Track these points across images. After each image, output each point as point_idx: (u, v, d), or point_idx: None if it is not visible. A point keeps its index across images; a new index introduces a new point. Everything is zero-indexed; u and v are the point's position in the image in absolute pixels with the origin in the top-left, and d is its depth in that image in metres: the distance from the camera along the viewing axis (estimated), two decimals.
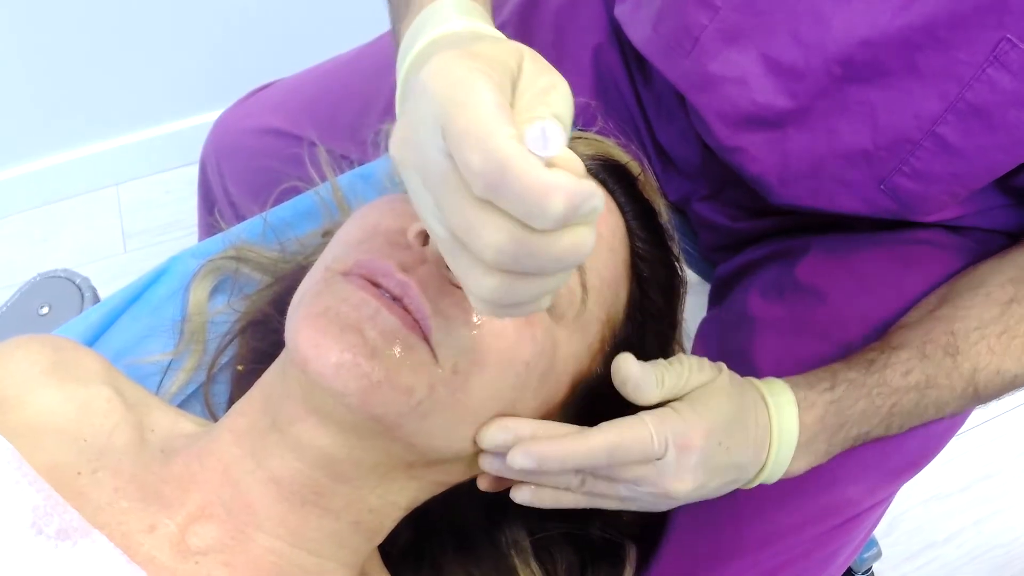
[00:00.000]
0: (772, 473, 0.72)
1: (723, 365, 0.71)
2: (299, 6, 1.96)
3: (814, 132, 0.81)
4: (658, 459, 0.63)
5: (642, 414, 0.65)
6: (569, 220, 0.41)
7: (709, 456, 0.65)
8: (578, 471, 0.64)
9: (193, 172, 1.22)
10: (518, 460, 0.61)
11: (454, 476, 0.68)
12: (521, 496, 0.66)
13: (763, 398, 0.72)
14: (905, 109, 0.76)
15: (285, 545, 0.62)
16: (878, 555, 1.50)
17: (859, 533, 0.86)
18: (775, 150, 0.83)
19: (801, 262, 0.90)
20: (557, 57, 1.04)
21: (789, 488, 0.79)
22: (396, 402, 0.56)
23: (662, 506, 0.69)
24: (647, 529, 0.83)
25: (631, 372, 0.65)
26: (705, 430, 0.65)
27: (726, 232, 1.01)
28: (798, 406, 0.72)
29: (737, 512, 0.81)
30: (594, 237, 0.43)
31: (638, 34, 0.94)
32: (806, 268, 0.90)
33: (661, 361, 0.68)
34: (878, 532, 1.60)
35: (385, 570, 0.71)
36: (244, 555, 0.60)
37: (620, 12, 0.98)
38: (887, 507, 0.90)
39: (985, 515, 1.72)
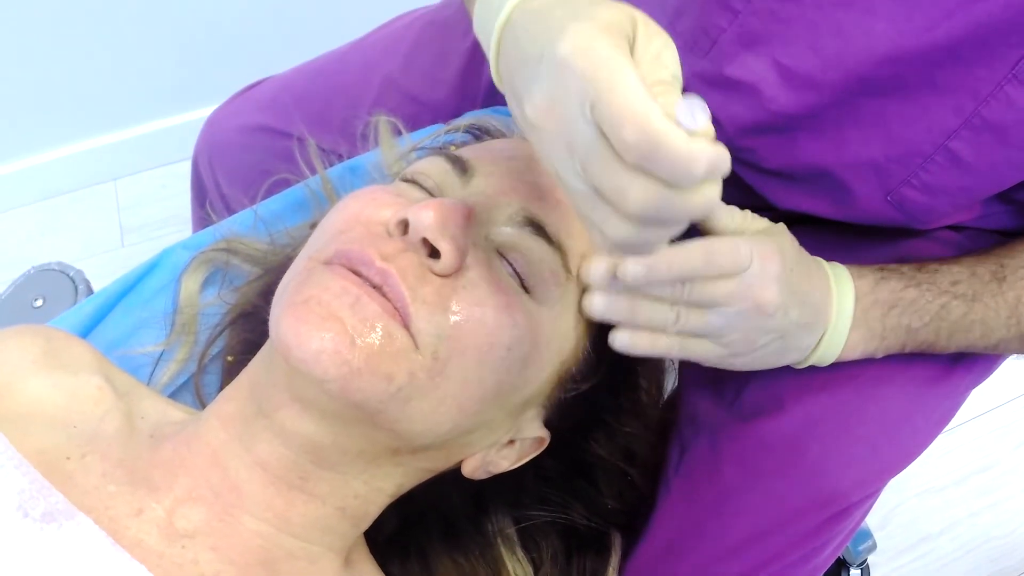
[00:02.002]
0: (836, 335, 0.75)
1: (782, 224, 0.75)
2: (294, 3, 1.96)
3: (823, 140, 0.80)
4: (744, 270, 0.66)
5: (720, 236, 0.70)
6: (707, 180, 0.48)
7: (787, 276, 0.68)
8: (678, 283, 0.66)
9: (190, 168, 1.23)
10: (630, 269, 0.63)
11: (439, 463, 0.68)
12: (621, 340, 0.68)
13: (816, 259, 0.76)
14: (919, 122, 0.75)
15: (271, 529, 0.63)
16: (873, 547, 1.50)
17: (847, 526, 0.86)
18: (784, 152, 0.83)
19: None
20: None
21: (776, 477, 0.80)
22: (376, 389, 0.57)
23: (753, 339, 0.70)
24: (633, 518, 0.83)
25: (713, 202, 0.57)
26: (777, 249, 0.69)
27: None
28: (849, 272, 0.76)
29: (722, 504, 0.81)
30: (719, 190, 0.50)
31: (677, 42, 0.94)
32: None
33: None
34: (873, 525, 1.60)
35: (371, 557, 0.71)
36: (231, 538, 0.61)
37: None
38: (875, 500, 0.90)
39: (980, 508, 1.72)
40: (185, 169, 1.23)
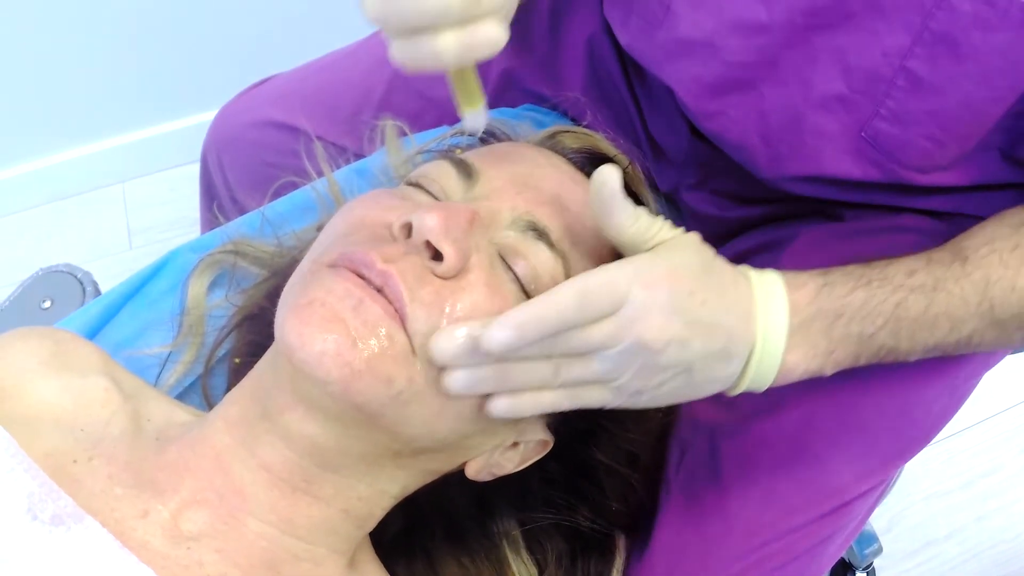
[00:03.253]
0: (767, 358, 0.67)
1: (696, 233, 0.66)
2: (300, 7, 1.97)
3: (787, 85, 0.80)
4: (625, 303, 0.58)
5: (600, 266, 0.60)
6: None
7: (680, 302, 0.60)
8: (550, 341, 0.57)
9: (198, 170, 1.23)
10: (496, 336, 0.55)
11: (442, 465, 0.68)
12: (500, 406, 0.60)
13: (741, 271, 0.67)
14: (874, 48, 0.75)
15: (276, 531, 0.63)
16: (879, 551, 1.50)
17: (851, 520, 0.86)
18: (753, 110, 0.84)
19: (788, 251, 0.91)
20: (553, 49, 1.05)
21: (776, 474, 0.80)
22: (377, 391, 0.57)
23: (649, 378, 0.62)
24: (637, 520, 0.83)
25: (611, 178, 0.60)
26: (668, 270, 0.60)
27: (714, 221, 1.01)
28: (785, 284, 0.68)
29: (724, 501, 0.81)
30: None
31: (620, 26, 0.95)
32: (793, 257, 0.90)
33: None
34: (879, 528, 1.60)
35: (376, 558, 0.71)
36: (236, 540, 0.62)
37: (608, 12, 0.99)
38: (880, 495, 0.90)
39: (987, 512, 1.72)
40: (193, 172, 1.24)
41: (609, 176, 0.60)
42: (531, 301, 0.57)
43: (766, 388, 0.69)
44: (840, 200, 0.90)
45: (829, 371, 0.71)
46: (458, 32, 0.54)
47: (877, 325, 0.69)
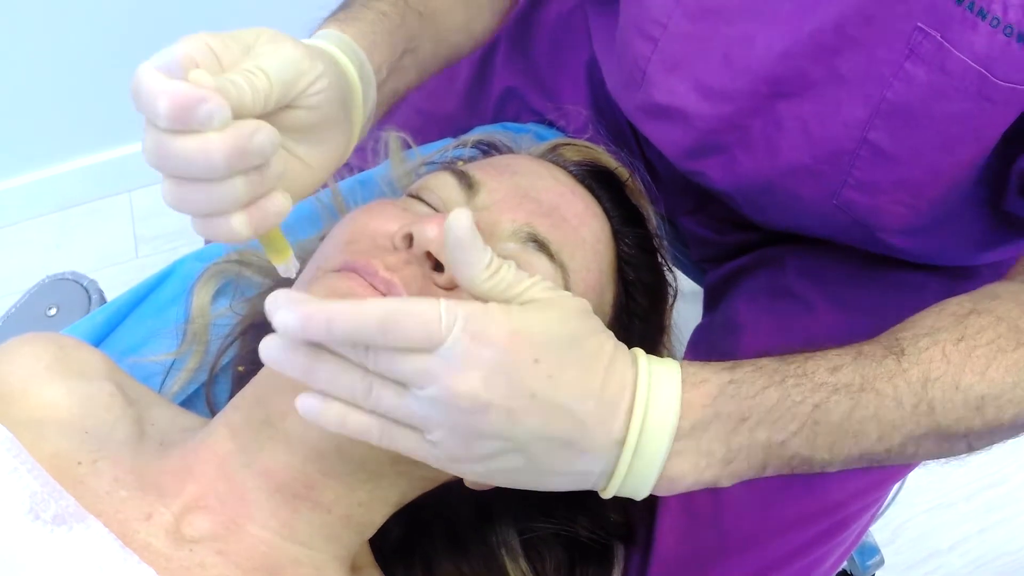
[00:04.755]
0: (642, 463, 0.56)
1: (584, 301, 0.59)
2: (306, 17, 1.97)
3: (756, 153, 0.81)
4: (439, 346, 0.51)
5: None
6: (181, 120, 0.50)
7: (516, 367, 0.52)
8: (361, 353, 0.52)
9: None
10: (279, 315, 0.50)
11: (441, 473, 0.69)
12: (305, 405, 0.54)
13: (633, 356, 0.58)
14: (835, 119, 0.75)
15: (277, 536, 0.63)
16: (881, 563, 1.49)
17: (847, 537, 0.86)
18: (728, 172, 0.85)
19: (787, 269, 0.91)
20: (554, 69, 1.06)
21: (772, 489, 0.80)
22: None
23: (468, 443, 0.54)
24: (635, 531, 0.84)
25: (461, 223, 0.53)
26: (513, 330, 0.52)
27: (713, 244, 1.02)
28: (683, 380, 0.58)
29: (719, 516, 0.82)
30: (225, 145, 0.51)
31: (607, 74, 0.97)
32: (791, 275, 0.91)
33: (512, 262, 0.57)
34: (881, 540, 1.60)
35: (375, 564, 0.72)
36: (237, 544, 0.62)
37: (598, 54, 1.00)
38: (877, 511, 0.90)
39: (990, 524, 1.72)
40: None
41: (456, 220, 0.53)
42: (340, 301, 0.51)
43: (644, 496, 0.60)
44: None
45: (726, 483, 0.60)
46: (248, 211, 0.55)
47: (789, 431, 0.59)
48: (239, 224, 0.55)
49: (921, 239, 0.82)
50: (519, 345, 0.52)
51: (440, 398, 0.51)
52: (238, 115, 0.53)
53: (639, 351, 0.59)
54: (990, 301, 0.64)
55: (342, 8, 0.77)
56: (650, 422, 0.56)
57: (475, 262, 0.54)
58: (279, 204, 0.57)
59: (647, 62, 0.87)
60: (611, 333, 0.58)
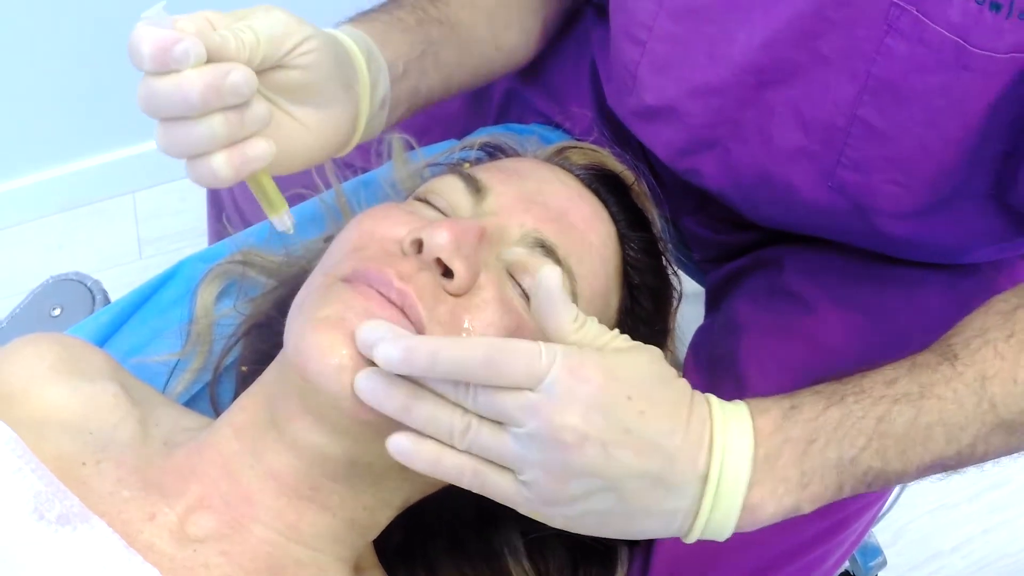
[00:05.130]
0: (726, 496, 0.58)
1: (658, 350, 0.61)
2: (309, 18, 1.98)
3: (750, 142, 0.82)
4: (541, 382, 0.53)
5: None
6: (160, 60, 0.55)
7: (612, 403, 0.54)
8: (461, 385, 0.54)
9: None
10: (381, 350, 0.53)
11: None
12: (397, 444, 0.56)
13: (704, 396, 0.61)
14: (825, 99, 0.76)
15: (281, 537, 0.63)
16: (883, 564, 1.49)
17: (847, 536, 0.86)
18: (723, 166, 0.85)
19: (786, 269, 0.91)
20: (558, 70, 1.06)
21: None
22: None
23: (561, 482, 0.55)
24: None
25: (554, 280, 0.57)
26: (607, 369, 0.55)
27: (713, 244, 1.02)
28: (749, 410, 0.61)
29: None
30: (201, 80, 0.56)
31: (604, 82, 0.98)
32: (791, 275, 0.91)
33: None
34: (884, 541, 1.60)
35: (379, 565, 0.72)
36: (241, 545, 0.62)
37: (597, 61, 1.01)
38: (878, 511, 0.90)
39: (993, 525, 1.71)
40: None
41: (547, 277, 0.57)
42: (443, 337, 0.56)
43: (729, 534, 0.60)
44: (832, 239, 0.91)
45: (807, 508, 0.61)
46: (228, 152, 0.59)
47: (858, 446, 0.60)
48: (219, 163, 0.59)
49: (918, 225, 0.82)
50: (614, 383, 0.54)
51: (540, 433, 0.53)
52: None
53: (710, 396, 0.61)
54: None
55: (360, 13, 0.82)
56: (729, 454, 0.58)
57: (565, 315, 0.57)
58: (261, 148, 0.61)
59: (636, 66, 0.88)
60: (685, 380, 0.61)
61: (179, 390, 0.84)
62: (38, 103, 1.93)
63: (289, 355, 0.62)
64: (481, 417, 0.55)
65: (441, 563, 0.75)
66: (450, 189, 0.71)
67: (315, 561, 0.65)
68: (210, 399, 0.84)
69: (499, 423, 0.55)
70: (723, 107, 0.82)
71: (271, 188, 0.65)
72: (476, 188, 0.71)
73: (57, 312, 1.01)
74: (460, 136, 1.01)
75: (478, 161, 0.87)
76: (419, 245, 0.63)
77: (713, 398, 0.61)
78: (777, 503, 0.59)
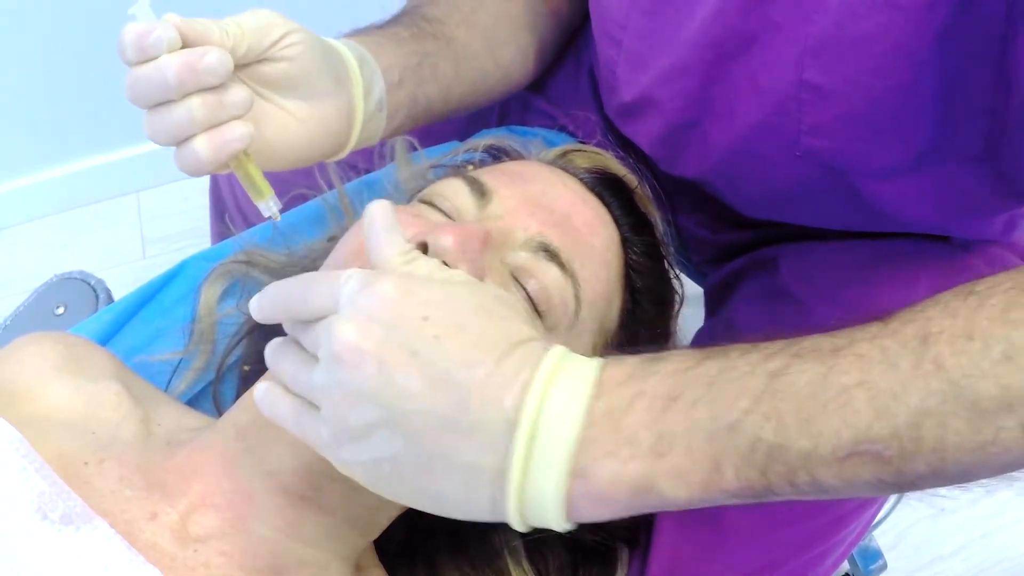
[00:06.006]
0: (543, 452, 0.47)
1: (505, 293, 0.57)
2: (313, 21, 1.98)
3: (721, 118, 0.82)
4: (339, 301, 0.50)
5: None
6: (140, 49, 0.59)
7: (400, 321, 0.48)
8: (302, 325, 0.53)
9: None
10: (253, 300, 0.56)
11: None
12: (256, 392, 0.56)
13: (551, 346, 0.51)
14: (775, 66, 0.75)
15: (281, 536, 0.64)
16: (884, 567, 1.50)
17: (845, 536, 0.86)
18: (703, 147, 0.85)
19: (781, 269, 0.91)
20: (561, 72, 1.06)
21: None
22: None
23: (347, 410, 0.49)
24: (639, 533, 0.84)
25: (375, 211, 0.56)
26: (406, 287, 0.50)
27: (710, 245, 1.03)
28: (602, 365, 0.50)
29: (719, 512, 0.82)
30: (176, 62, 0.59)
31: (599, 85, 0.98)
32: (786, 275, 0.91)
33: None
34: (884, 545, 1.60)
35: (380, 564, 0.72)
36: (242, 544, 0.62)
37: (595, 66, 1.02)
38: (876, 510, 0.90)
39: (993, 529, 1.71)
40: (206, 182, 1.25)
41: (372, 209, 0.56)
42: (282, 280, 0.56)
43: (556, 512, 0.48)
44: (825, 229, 0.90)
45: (669, 489, 0.47)
46: (208, 135, 0.62)
47: (740, 408, 0.46)
48: (200, 145, 0.62)
49: (902, 186, 0.79)
50: (409, 300, 0.49)
51: (326, 354, 0.49)
52: None
53: (559, 347, 0.51)
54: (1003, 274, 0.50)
55: (352, 30, 0.84)
56: (553, 399, 0.47)
57: (389, 246, 0.55)
58: (239, 131, 0.63)
59: (615, 64, 0.89)
60: (535, 328, 0.53)
61: (182, 389, 0.84)
62: (42, 102, 1.94)
63: None
64: (308, 356, 0.52)
65: (442, 562, 0.75)
66: (454, 192, 0.72)
67: (316, 560, 0.65)
68: (213, 398, 0.84)
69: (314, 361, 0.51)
70: (690, 87, 0.82)
71: (257, 175, 0.67)
72: (480, 191, 0.71)
73: (61, 310, 1.01)
74: (462, 137, 1.01)
75: (482, 163, 0.87)
76: (424, 248, 0.63)
77: (561, 348, 0.51)
78: (619, 469, 0.47)
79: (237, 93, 0.62)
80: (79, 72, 1.90)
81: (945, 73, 0.67)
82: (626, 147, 0.91)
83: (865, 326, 0.49)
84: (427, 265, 0.54)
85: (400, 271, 0.53)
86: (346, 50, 0.75)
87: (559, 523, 0.49)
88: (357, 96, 0.75)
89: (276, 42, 0.65)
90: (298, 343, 0.54)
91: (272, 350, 0.56)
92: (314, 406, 0.52)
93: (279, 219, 0.69)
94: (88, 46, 1.86)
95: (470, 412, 0.47)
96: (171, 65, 0.59)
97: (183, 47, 0.61)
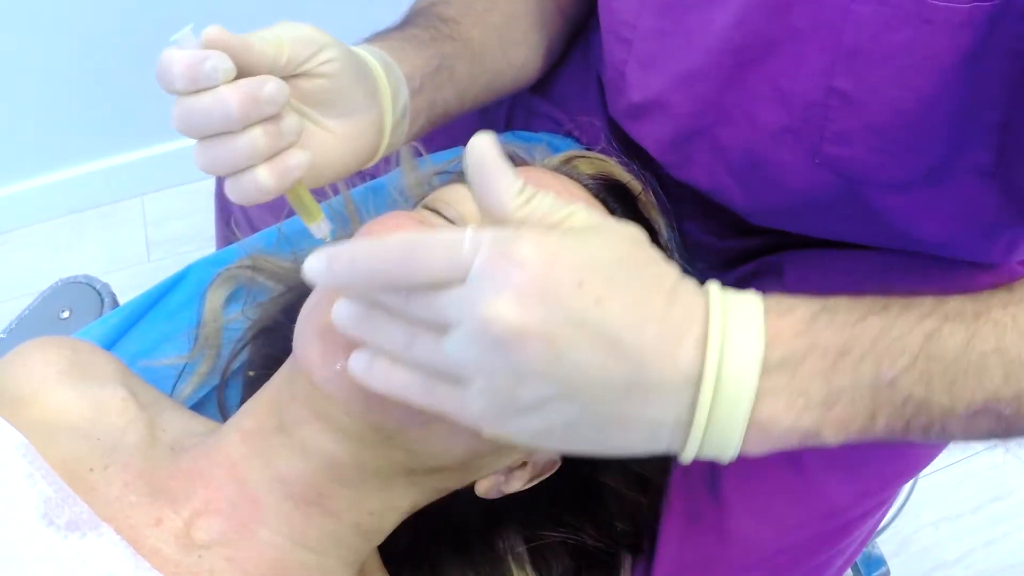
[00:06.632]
0: (726, 405, 0.48)
1: (639, 230, 0.51)
2: (322, 23, 1.98)
3: (736, 124, 0.82)
4: (471, 270, 0.45)
5: None
6: (191, 79, 0.56)
7: (556, 290, 0.45)
8: (397, 292, 0.48)
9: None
10: (308, 261, 0.49)
11: (453, 483, 0.69)
12: (356, 363, 0.52)
13: (703, 286, 0.51)
14: (801, 72, 0.75)
15: (287, 542, 0.64)
16: (887, 575, 1.50)
17: (850, 543, 0.86)
18: (715, 151, 0.85)
19: (786, 279, 0.91)
20: (566, 76, 1.06)
21: (773, 493, 0.80)
22: (398, 411, 0.58)
23: (509, 390, 0.47)
24: (642, 539, 0.84)
25: (483, 143, 0.50)
26: (549, 250, 0.45)
27: (715, 251, 1.03)
28: (766, 309, 0.50)
29: (723, 518, 0.82)
30: (238, 94, 0.57)
31: (605, 86, 0.99)
32: (791, 284, 0.91)
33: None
34: (887, 552, 1.60)
35: (384, 569, 0.72)
36: (246, 550, 0.62)
37: (600, 70, 1.02)
38: (880, 517, 0.90)
39: (996, 536, 1.71)
40: (211, 186, 1.25)
41: (477, 144, 0.50)
42: (365, 240, 0.48)
43: (733, 455, 0.50)
44: (831, 240, 0.90)
45: (832, 437, 0.51)
46: (270, 164, 0.60)
47: (899, 366, 0.51)
48: (263, 176, 0.60)
49: (912, 200, 0.79)
50: (558, 266, 0.45)
51: (474, 332, 0.45)
52: (251, 73, 0.59)
53: (711, 282, 0.51)
54: None
55: (374, 33, 0.84)
56: (730, 353, 0.48)
57: (505, 187, 0.49)
58: (299, 158, 0.62)
59: (624, 64, 0.89)
60: (675, 265, 0.51)
61: (187, 393, 0.84)
62: (48, 106, 1.94)
63: (298, 359, 0.62)
64: (424, 326, 0.48)
65: (445, 567, 0.76)
66: (459, 198, 0.72)
67: (320, 565, 0.65)
68: (218, 403, 0.84)
69: (439, 330, 0.47)
70: (706, 92, 0.82)
71: (308, 197, 0.66)
72: None
73: (66, 314, 1.01)
74: (467, 143, 1.01)
75: None
76: None
77: (715, 287, 0.51)
78: (795, 420, 0.49)
79: (292, 120, 0.61)
80: (83, 76, 1.91)
81: (966, 89, 0.68)
82: (630, 152, 0.91)
83: (994, 292, 0.54)
84: (544, 201, 0.49)
85: (517, 216, 0.49)
86: (374, 61, 0.74)
87: (728, 459, 0.50)
88: (386, 107, 0.74)
89: (314, 55, 0.64)
90: (390, 310, 0.49)
91: (359, 318, 0.50)
92: (447, 378, 0.49)
93: (330, 239, 0.68)
94: (92, 50, 1.86)
95: (647, 373, 0.47)
96: (233, 97, 0.57)
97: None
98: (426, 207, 0.73)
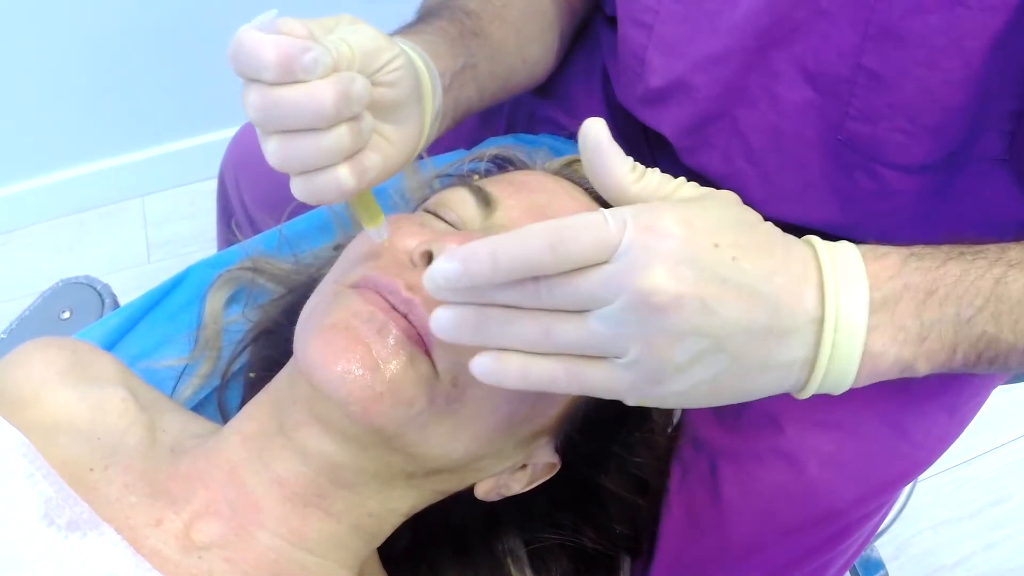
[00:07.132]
0: (844, 339, 0.53)
1: (735, 195, 0.56)
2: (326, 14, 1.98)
3: (758, 106, 0.82)
4: (616, 250, 0.48)
5: None
6: (289, 71, 0.51)
7: (699, 255, 0.49)
8: (528, 282, 0.50)
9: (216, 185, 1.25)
10: (437, 267, 0.49)
11: (452, 485, 0.70)
12: (481, 366, 0.52)
13: (804, 237, 0.57)
14: (829, 50, 0.75)
15: (285, 544, 0.64)
16: None
17: (850, 546, 0.86)
18: (733, 134, 0.85)
19: None
20: (568, 77, 1.06)
21: (773, 495, 0.80)
22: (397, 413, 0.59)
23: (666, 352, 0.50)
24: (641, 542, 0.84)
25: (597, 127, 0.53)
26: (684, 220, 0.50)
27: None
28: (862, 254, 0.56)
29: (723, 520, 0.82)
30: (333, 90, 0.52)
31: (613, 80, 0.98)
32: None
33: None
34: (886, 556, 1.60)
35: (383, 571, 0.72)
36: (245, 552, 0.63)
37: (607, 63, 1.02)
38: (879, 520, 0.90)
39: (995, 540, 1.72)
40: (212, 187, 1.25)
41: (591, 127, 0.53)
42: (496, 235, 0.49)
43: (848, 387, 0.56)
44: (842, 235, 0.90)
45: (923, 368, 0.57)
46: (350, 163, 0.57)
47: (976, 306, 0.57)
48: (344, 175, 0.56)
49: (927, 183, 0.80)
50: (696, 233, 0.50)
51: (631, 304, 0.48)
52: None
53: (809, 236, 0.57)
54: None
55: (405, 25, 0.82)
56: (844, 295, 0.53)
57: (621, 166, 0.53)
58: (373, 159, 0.59)
59: (644, 49, 0.88)
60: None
61: (187, 395, 0.84)
62: (49, 106, 1.94)
63: (298, 362, 0.62)
64: (558, 312, 0.50)
65: (444, 570, 0.76)
66: (460, 202, 0.72)
67: (319, 567, 0.65)
68: (218, 404, 0.84)
69: (578, 312, 0.50)
70: (728, 76, 0.82)
71: (372, 198, 0.64)
72: (486, 201, 0.71)
73: (66, 315, 1.01)
74: (469, 145, 1.02)
75: (488, 173, 0.87)
76: (429, 257, 0.63)
77: (815, 238, 0.56)
78: (897, 352, 0.55)
79: (370, 120, 0.58)
80: (84, 76, 1.91)
81: (991, 74, 0.70)
82: (636, 154, 0.91)
83: None
84: (654, 178, 0.54)
85: (632, 192, 0.53)
86: (421, 64, 0.71)
87: (842, 391, 0.56)
88: (427, 109, 0.72)
89: (382, 67, 0.60)
90: (507, 307, 0.51)
91: (473, 324, 0.51)
92: (591, 358, 0.51)
93: (387, 243, 0.66)
94: (93, 50, 1.87)
95: (783, 318, 0.52)
96: (329, 93, 0.52)
97: None
98: (427, 210, 0.73)
